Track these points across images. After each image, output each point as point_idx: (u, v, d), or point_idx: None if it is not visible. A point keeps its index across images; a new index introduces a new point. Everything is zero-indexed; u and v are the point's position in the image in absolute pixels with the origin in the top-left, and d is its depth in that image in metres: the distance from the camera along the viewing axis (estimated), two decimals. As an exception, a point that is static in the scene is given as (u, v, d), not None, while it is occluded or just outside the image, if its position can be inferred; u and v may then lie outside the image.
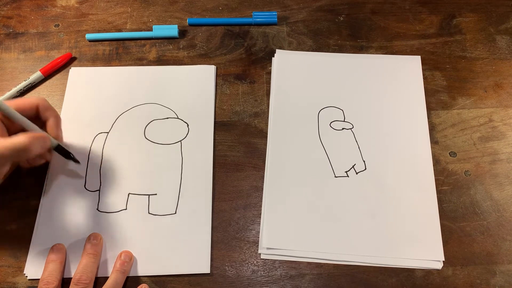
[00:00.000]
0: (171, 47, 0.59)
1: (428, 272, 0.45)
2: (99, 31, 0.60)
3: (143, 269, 0.44)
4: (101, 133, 0.52)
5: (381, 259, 0.45)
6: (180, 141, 0.51)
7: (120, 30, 0.60)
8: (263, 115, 0.54)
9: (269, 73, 0.57)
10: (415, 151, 0.51)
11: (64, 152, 0.46)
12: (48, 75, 0.56)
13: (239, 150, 0.52)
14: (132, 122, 0.53)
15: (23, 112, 0.42)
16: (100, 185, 0.49)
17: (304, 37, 0.60)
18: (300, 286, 0.44)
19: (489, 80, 0.56)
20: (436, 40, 0.59)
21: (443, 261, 0.45)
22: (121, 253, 0.44)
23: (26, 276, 0.44)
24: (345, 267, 0.45)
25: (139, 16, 0.61)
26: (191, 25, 0.60)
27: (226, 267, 0.45)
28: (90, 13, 0.61)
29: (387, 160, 0.50)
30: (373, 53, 0.58)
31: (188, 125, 0.52)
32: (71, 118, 0.53)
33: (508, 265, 0.45)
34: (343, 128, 0.53)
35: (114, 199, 0.48)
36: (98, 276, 0.44)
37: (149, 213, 0.47)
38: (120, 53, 0.58)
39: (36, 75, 0.55)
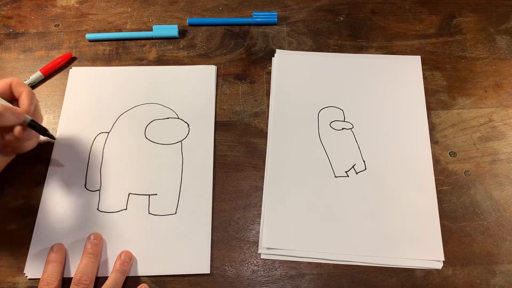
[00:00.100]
0: (171, 47, 0.59)
1: (428, 272, 0.45)
2: (99, 31, 0.60)
3: (143, 269, 0.44)
4: (102, 133, 0.52)
5: (381, 259, 0.45)
6: (181, 141, 0.51)
7: (120, 30, 0.60)
8: (263, 115, 0.54)
9: (269, 73, 0.57)
10: (415, 151, 0.51)
11: (38, 127, 0.44)
12: (48, 75, 0.56)
13: (239, 150, 0.52)
14: (133, 122, 0.53)
15: None
16: (101, 185, 0.49)
17: (304, 37, 0.60)
18: (300, 286, 0.44)
19: (489, 80, 0.56)
20: (436, 40, 0.59)
21: (443, 261, 0.45)
22: (121, 253, 0.44)
23: (26, 276, 0.44)
24: (345, 267, 0.45)
25: (139, 16, 0.61)
26: (191, 25, 0.60)
27: (226, 267, 0.45)
28: (90, 13, 0.61)
29: (387, 160, 0.50)
30: (373, 53, 0.58)
31: (188, 125, 0.52)
32: (71, 117, 0.53)
33: (508, 265, 0.45)
34: (343, 128, 0.53)
35: (115, 199, 0.48)
36: (98, 276, 0.44)
37: (149, 213, 0.47)
38: (120, 53, 0.58)
39: (36, 75, 0.55)
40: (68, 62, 0.57)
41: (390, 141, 0.52)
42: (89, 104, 0.54)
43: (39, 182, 0.49)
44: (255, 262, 0.45)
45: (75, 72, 0.56)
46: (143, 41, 0.59)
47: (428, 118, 0.53)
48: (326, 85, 0.56)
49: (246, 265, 0.45)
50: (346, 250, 0.45)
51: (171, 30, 0.59)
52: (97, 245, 0.44)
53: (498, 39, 0.60)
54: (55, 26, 0.60)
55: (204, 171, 0.50)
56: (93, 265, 0.43)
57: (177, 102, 0.54)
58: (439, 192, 0.49)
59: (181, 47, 0.59)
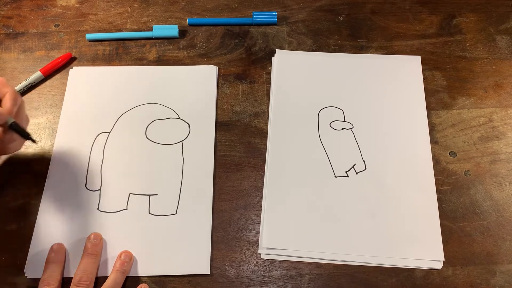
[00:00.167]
0: (171, 47, 0.59)
1: (428, 272, 0.45)
2: (99, 31, 0.60)
3: (143, 269, 0.44)
4: (103, 132, 0.52)
5: (381, 259, 0.45)
6: (181, 141, 0.51)
7: (120, 30, 0.60)
8: (263, 115, 0.54)
9: (269, 73, 0.57)
10: (415, 151, 0.51)
11: (20, 130, 0.43)
12: (48, 75, 0.56)
13: (239, 150, 0.52)
14: (134, 122, 0.53)
15: None
16: (101, 185, 0.49)
17: (304, 37, 0.60)
18: (300, 286, 0.44)
19: (489, 80, 0.56)
20: (436, 40, 0.59)
21: (443, 261, 0.45)
22: (121, 253, 0.44)
23: (26, 276, 0.44)
24: (345, 267, 0.45)
25: (139, 16, 0.61)
26: (191, 25, 0.60)
27: (226, 267, 0.45)
28: (90, 13, 0.61)
29: (387, 160, 0.50)
30: (373, 53, 0.58)
31: (189, 126, 0.52)
32: (71, 117, 0.53)
33: (508, 265, 0.45)
34: (343, 128, 0.53)
35: (115, 199, 0.48)
36: (98, 276, 0.44)
37: (149, 213, 0.47)
38: (120, 53, 0.58)
39: (36, 75, 0.55)
40: (68, 62, 0.57)
41: (390, 141, 0.52)
42: (89, 104, 0.54)
43: (39, 182, 0.49)
44: (255, 262, 0.45)
45: (75, 72, 0.56)
46: (143, 41, 0.59)
47: (428, 118, 0.53)
48: (326, 85, 0.56)
49: (246, 265, 0.45)
50: (346, 250, 0.45)
51: (171, 30, 0.59)
52: (97, 245, 0.44)
53: (498, 39, 0.60)
54: (55, 26, 0.60)
55: (204, 171, 0.50)
56: (93, 265, 0.43)
57: (178, 102, 0.54)
58: (439, 192, 0.49)
59: (181, 47, 0.59)
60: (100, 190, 0.48)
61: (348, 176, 0.50)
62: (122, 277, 0.43)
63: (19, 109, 0.43)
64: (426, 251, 0.45)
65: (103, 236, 0.46)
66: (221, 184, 0.49)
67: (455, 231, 0.47)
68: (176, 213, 0.47)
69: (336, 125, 0.53)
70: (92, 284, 0.42)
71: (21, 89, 0.54)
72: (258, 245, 0.46)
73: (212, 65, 0.57)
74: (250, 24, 0.61)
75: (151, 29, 0.59)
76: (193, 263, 0.45)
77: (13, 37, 0.59)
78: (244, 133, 0.53)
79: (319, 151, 0.51)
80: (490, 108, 0.54)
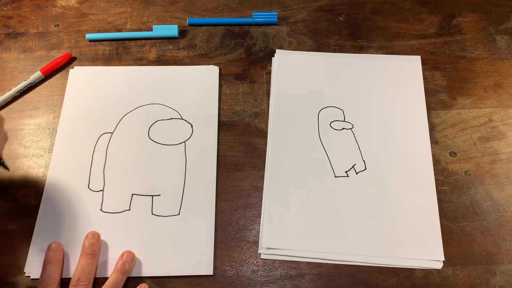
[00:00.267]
0: (171, 47, 0.59)
1: (428, 272, 0.45)
2: (99, 31, 0.60)
3: (145, 270, 0.44)
4: (106, 133, 0.52)
5: (381, 259, 0.45)
6: (184, 142, 0.51)
7: (120, 30, 0.60)
8: (263, 115, 0.54)
9: (269, 73, 0.57)
10: (415, 151, 0.51)
11: None
12: (48, 75, 0.56)
13: (239, 150, 0.52)
14: (136, 123, 0.52)
15: None
16: (104, 185, 0.49)
17: (304, 37, 0.60)
18: (300, 286, 0.44)
19: (489, 80, 0.56)
20: (436, 40, 0.59)
21: (443, 261, 0.45)
22: (123, 253, 0.44)
23: (26, 276, 0.44)
24: (345, 267, 0.45)
25: (139, 16, 0.61)
26: (191, 25, 0.60)
27: (226, 267, 0.45)
28: (90, 13, 0.61)
29: (387, 160, 0.50)
30: (373, 53, 0.58)
31: (192, 126, 0.52)
32: (71, 117, 0.53)
33: (508, 265, 0.45)
34: (343, 128, 0.53)
35: (118, 199, 0.48)
36: (100, 276, 0.44)
37: (152, 214, 0.47)
38: (120, 53, 0.58)
39: (36, 75, 0.55)
40: (68, 62, 0.57)
41: (390, 141, 0.52)
42: (89, 104, 0.54)
43: (40, 182, 0.49)
44: (255, 262, 0.45)
45: (75, 72, 0.56)
46: (143, 41, 0.59)
47: (428, 118, 0.53)
48: (326, 85, 0.56)
49: (246, 265, 0.45)
50: (346, 250, 0.45)
51: (171, 30, 0.59)
52: (94, 244, 0.44)
53: (498, 39, 0.60)
54: (55, 26, 0.60)
55: (207, 172, 0.50)
56: (91, 265, 0.43)
57: (180, 102, 0.54)
58: (439, 192, 0.49)
59: (181, 47, 0.59)
60: (103, 190, 0.48)
61: (348, 176, 0.50)
62: (122, 278, 0.43)
63: None
64: (426, 251, 0.45)
65: (106, 237, 0.46)
66: (221, 184, 0.49)
67: (455, 231, 0.47)
68: (179, 214, 0.47)
69: (336, 125, 0.53)
70: (91, 285, 0.42)
71: (21, 89, 0.54)
72: (258, 245, 0.46)
73: (214, 66, 0.57)
74: (250, 24, 0.61)
75: (151, 29, 0.59)
76: (196, 264, 0.45)
77: (13, 37, 0.59)
78: (244, 133, 0.53)
79: (319, 151, 0.51)
80: (490, 108, 0.54)
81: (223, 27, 0.61)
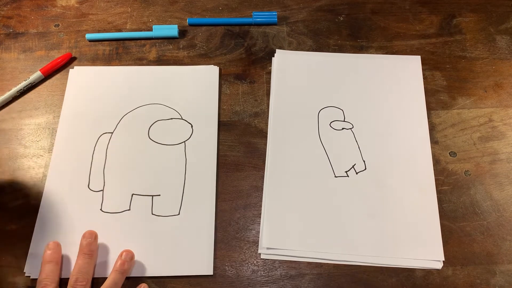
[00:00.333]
0: (171, 47, 0.59)
1: (428, 272, 0.45)
2: (99, 31, 0.60)
3: (145, 270, 0.44)
4: (106, 133, 0.52)
5: (381, 259, 0.45)
6: (184, 142, 0.51)
7: (120, 30, 0.60)
8: (263, 115, 0.54)
9: (269, 73, 0.57)
10: (415, 151, 0.51)
11: None
12: (48, 75, 0.56)
13: (239, 150, 0.52)
14: (136, 123, 0.52)
15: None
16: (104, 185, 0.49)
17: (304, 37, 0.60)
18: (300, 286, 0.44)
19: (489, 80, 0.56)
20: (436, 40, 0.59)
21: (443, 261, 0.45)
22: (122, 252, 0.44)
23: (26, 276, 0.44)
24: (345, 267, 0.45)
25: (139, 16, 0.61)
26: (191, 25, 0.60)
27: (226, 267, 0.45)
28: (90, 13, 0.61)
29: (387, 160, 0.50)
30: (373, 53, 0.58)
31: (192, 126, 0.52)
32: (71, 117, 0.53)
33: (508, 265, 0.45)
34: (343, 128, 0.53)
35: (118, 199, 0.48)
36: (99, 276, 0.44)
37: (152, 214, 0.47)
38: (120, 53, 0.58)
39: (36, 75, 0.55)
40: (68, 62, 0.57)
41: (390, 141, 0.52)
42: (89, 104, 0.54)
43: (40, 182, 0.49)
44: (255, 262, 0.45)
45: (75, 72, 0.56)
46: (143, 41, 0.59)
47: (428, 118, 0.53)
48: (326, 85, 0.56)
49: (246, 265, 0.45)
50: (346, 250, 0.45)
51: (171, 30, 0.59)
52: (91, 243, 0.44)
53: (498, 39, 0.60)
54: (55, 26, 0.60)
55: (207, 172, 0.50)
56: (88, 265, 0.43)
57: (181, 102, 0.54)
58: (439, 192, 0.49)
59: (181, 47, 0.59)
60: (103, 190, 0.48)
61: (348, 176, 0.50)
62: (121, 278, 0.43)
63: None
64: (426, 251, 0.45)
65: (106, 237, 0.45)
66: (221, 184, 0.49)
67: (455, 231, 0.47)
68: (179, 214, 0.47)
69: (336, 125, 0.53)
70: (89, 285, 0.42)
71: (21, 89, 0.54)
72: (258, 245, 0.46)
73: (215, 66, 0.57)
74: (250, 24, 0.61)
75: (151, 29, 0.59)
76: (196, 264, 0.45)
77: (13, 37, 0.59)
78: (244, 133, 0.53)
79: (319, 151, 0.51)
80: (490, 108, 0.54)
81: (223, 27, 0.61)
